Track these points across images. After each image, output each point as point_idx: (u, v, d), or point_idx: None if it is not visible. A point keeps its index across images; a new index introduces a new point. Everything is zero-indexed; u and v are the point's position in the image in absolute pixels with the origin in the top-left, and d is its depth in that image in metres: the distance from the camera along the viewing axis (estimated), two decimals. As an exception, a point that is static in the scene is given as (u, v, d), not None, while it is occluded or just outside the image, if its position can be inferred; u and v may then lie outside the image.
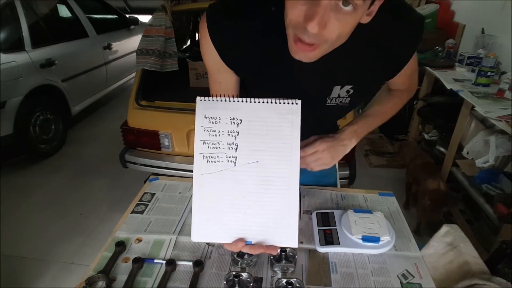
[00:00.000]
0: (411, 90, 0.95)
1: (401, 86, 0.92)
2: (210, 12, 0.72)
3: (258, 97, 0.68)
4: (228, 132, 0.67)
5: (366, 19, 0.61)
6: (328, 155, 0.86)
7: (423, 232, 2.20)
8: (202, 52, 0.78)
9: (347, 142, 0.89)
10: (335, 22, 0.56)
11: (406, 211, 2.40)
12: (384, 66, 0.78)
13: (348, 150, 0.90)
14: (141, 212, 1.05)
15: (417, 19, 0.74)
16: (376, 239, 0.89)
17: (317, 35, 0.57)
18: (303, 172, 1.18)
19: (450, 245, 0.96)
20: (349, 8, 0.55)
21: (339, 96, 0.81)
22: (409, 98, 0.97)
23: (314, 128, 0.90)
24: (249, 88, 0.88)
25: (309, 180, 1.20)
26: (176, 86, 2.54)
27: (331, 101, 0.82)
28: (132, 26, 4.49)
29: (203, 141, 0.71)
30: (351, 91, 0.80)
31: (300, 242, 0.93)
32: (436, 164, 2.34)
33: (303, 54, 0.63)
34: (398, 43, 0.74)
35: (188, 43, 3.66)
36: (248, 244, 0.68)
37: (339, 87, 0.79)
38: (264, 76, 0.79)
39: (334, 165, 1.27)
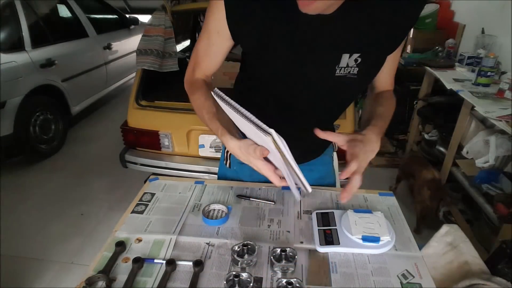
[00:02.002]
0: (393, 84, 1.00)
1: (386, 86, 0.97)
2: None
3: (262, 69, 0.81)
4: None
5: None
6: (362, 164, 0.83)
7: (423, 231, 2.21)
8: (209, 10, 0.81)
9: (376, 149, 0.83)
10: None
11: (406, 212, 2.40)
12: (389, 32, 0.80)
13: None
14: (141, 212, 1.05)
15: None
16: (376, 239, 0.89)
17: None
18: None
19: (450, 245, 0.96)
20: None
21: (347, 66, 0.81)
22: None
23: (320, 116, 0.95)
24: (256, 60, 0.88)
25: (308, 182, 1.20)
26: (176, 86, 2.53)
27: (340, 70, 0.82)
28: (132, 26, 4.49)
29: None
30: (359, 59, 0.80)
31: (300, 242, 0.94)
32: (423, 157, 2.45)
33: (308, 8, 0.65)
34: (403, 7, 0.76)
35: (188, 43, 3.66)
36: None
37: (348, 55, 0.80)
38: (270, 45, 0.80)
39: (333, 167, 1.27)
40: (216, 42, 0.86)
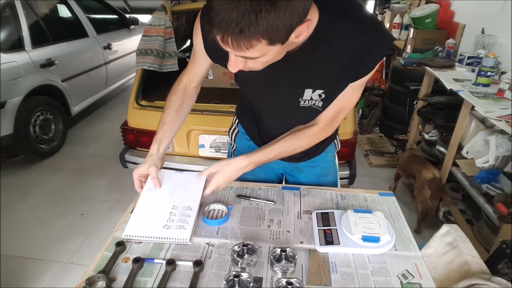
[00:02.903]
0: (327, 130, 0.99)
1: (323, 121, 0.96)
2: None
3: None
4: None
5: (296, 40, 0.69)
6: (219, 176, 0.96)
7: (423, 231, 2.21)
8: (194, 31, 0.92)
9: (240, 166, 0.96)
10: (251, 62, 0.70)
11: (406, 211, 2.41)
12: (351, 71, 0.83)
13: (241, 173, 0.98)
14: (141, 212, 1.05)
15: (387, 36, 0.82)
16: (376, 239, 0.89)
17: (244, 68, 0.72)
18: (303, 171, 1.21)
19: (450, 245, 0.96)
20: (259, 58, 0.68)
21: (311, 99, 0.90)
22: (320, 139, 1.02)
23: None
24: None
25: (310, 179, 1.21)
26: (176, 86, 2.54)
27: (304, 102, 0.91)
28: (132, 26, 4.48)
29: None
30: (323, 95, 0.88)
31: (300, 242, 0.94)
32: (422, 155, 2.50)
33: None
34: (366, 52, 0.80)
35: (188, 43, 3.66)
36: None
37: (311, 90, 0.88)
38: (241, 72, 0.86)
39: (335, 164, 1.28)
40: (199, 60, 1.00)
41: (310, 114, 0.95)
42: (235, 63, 0.71)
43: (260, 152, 0.96)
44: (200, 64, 1.01)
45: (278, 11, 0.58)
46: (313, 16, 0.73)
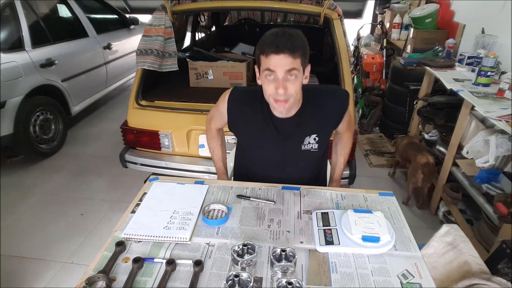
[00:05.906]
0: (351, 130, 1.39)
1: (345, 129, 1.33)
2: (235, 91, 1.25)
3: (252, 151, 1.33)
4: None
5: (305, 81, 1.10)
6: None
7: (421, 231, 2.21)
8: (220, 100, 1.27)
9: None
10: (290, 85, 1.04)
11: (406, 210, 2.42)
12: (332, 118, 1.24)
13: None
14: (141, 212, 1.05)
15: (343, 91, 1.27)
16: (376, 239, 0.89)
17: (284, 94, 1.04)
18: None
19: (450, 245, 0.96)
20: (293, 77, 1.04)
21: (309, 143, 1.23)
22: (352, 136, 1.42)
23: (302, 169, 1.31)
24: (247, 144, 1.33)
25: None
26: (176, 86, 2.54)
27: (304, 147, 1.23)
28: (132, 26, 4.48)
29: None
30: (317, 138, 1.22)
31: (300, 242, 0.94)
32: (419, 142, 2.64)
33: (282, 108, 1.09)
34: (334, 106, 1.22)
35: (189, 43, 3.66)
36: None
37: (308, 137, 1.22)
38: (256, 136, 1.25)
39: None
40: (221, 121, 1.33)
41: (310, 155, 1.25)
42: (283, 83, 1.03)
43: (335, 180, 1.42)
44: (220, 121, 1.33)
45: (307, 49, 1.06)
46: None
